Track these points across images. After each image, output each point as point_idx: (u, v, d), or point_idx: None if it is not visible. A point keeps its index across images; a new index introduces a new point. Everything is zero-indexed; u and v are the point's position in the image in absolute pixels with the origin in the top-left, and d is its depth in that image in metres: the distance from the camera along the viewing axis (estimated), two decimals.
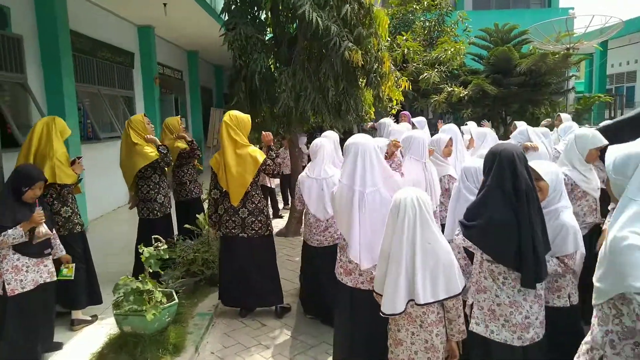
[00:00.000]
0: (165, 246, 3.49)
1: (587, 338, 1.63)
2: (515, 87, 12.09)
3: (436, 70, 11.50)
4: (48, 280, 3.27)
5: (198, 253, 4.46)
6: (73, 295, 3.84)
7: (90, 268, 4.05)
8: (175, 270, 4.37)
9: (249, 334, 3.89)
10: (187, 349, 3.49)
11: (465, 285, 2.27)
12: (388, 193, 2.67)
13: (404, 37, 10.99)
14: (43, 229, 3.12)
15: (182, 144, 5.15)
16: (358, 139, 2.83)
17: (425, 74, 11.20)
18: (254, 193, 3.97)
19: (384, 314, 2.21)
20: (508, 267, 2.15)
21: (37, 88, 6.55)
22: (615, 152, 1.62)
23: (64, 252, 3.54)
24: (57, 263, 3.47)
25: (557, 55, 11.66)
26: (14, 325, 3.06)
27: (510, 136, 5.14)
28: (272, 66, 6.05)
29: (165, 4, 8.50)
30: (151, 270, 3.37)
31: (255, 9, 6.27)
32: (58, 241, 3.51)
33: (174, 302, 3.48)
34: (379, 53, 5.67)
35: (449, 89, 11.73)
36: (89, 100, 8.41)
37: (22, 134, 6.14)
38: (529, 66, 11.60)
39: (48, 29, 6.57)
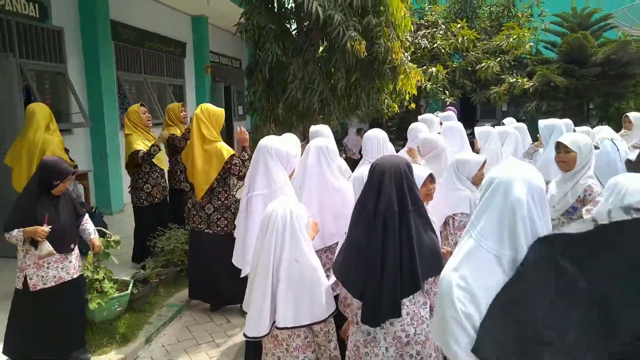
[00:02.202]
0: (117, 237, 3.55)
1: None
2: (591, 79, 10.80)
3: (498, 59, 10.61)
4: (75, 276, 3.08)
5: (179, 244, 4.51)
6: None
7: None
8: (156, 259, 4.46)
9: (209, 329, 3.87)
10: (137, 339, 3.54)
11: (334, 310, 2.02)
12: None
13: (459, 25, 10.23)
14: (46, 248, 2.84)
15: (174, 130, 5.14)
16: (262, 140, 2.67)
17: (484, 63, 10.37)
18: (220, 189, 3.91)
19: (246, 336, 2.03)
20: (353, 295, 1.87)
21: (77, 77, 7.02)
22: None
23: (92, 235, 3.24)
24: None
25: None
26: (33, 322, 2.97)
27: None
28: (283, 57, 5.92)
29: None
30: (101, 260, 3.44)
31: None
32: (88, 225, 3.25)
33: (125, 292, 3.55)
34: (389, 43, 5.29)
35: (512, 80, 10.76)
36: (135, 89, 8.86)
37: (60, 120, 6.62)
38: (607, 55, 10.29)
39: (88, 21, 7.00)
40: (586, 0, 12.41)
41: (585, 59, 10.80)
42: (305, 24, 6.18)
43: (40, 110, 4.29)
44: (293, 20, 6.48)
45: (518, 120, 14.30)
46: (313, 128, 4.24)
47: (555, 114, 12.10)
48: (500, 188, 1.37)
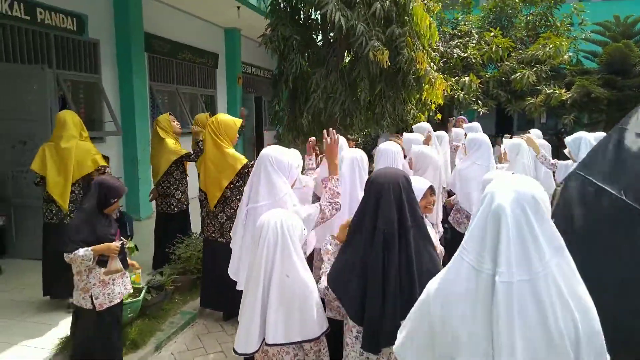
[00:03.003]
0: (132, 244, 3.59)
1: None
2: (635, 90, 10.30)
3: (534, 69, 10.28)
4: (131, 290, 3.19)
5: (196, 252, 4.55)
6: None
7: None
8: (173, 266, 4.51)
9: (219, 339, 3.86)
10: (147, 346, 3.57)
11: (327, 329, 1.95)
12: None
13: (492, 34, 9.99)
14: (116, 264, 2.85)
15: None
16: (263, 150, 2.63)
17: (519, 73, 10.07)
18: (233, 198, 3.91)
19: (236, 352, 1.99)
20: (348, 314, 1.79)
21: (111, 87, 7.27)
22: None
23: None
24: None
25: None
26: (103, 340, 2.98)
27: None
28: (307, 68, 5.93)
29: (238, 7, 8.85)
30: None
31: (301, 10, 6.21)
32: None
33: (137, 299, 3.58)
34: (413, 53, 5.20)
35: (548, 91, 10.39)
36: (167, 98, 9.10)
37: (93, 128, 6.86)
38: None
39: (123, 33, 7.25)
40: (631, 8, 11.86)
41: (628, 69, 10.34)
42: (330, 35, 6.19)
43: (70, 118, 4.34)
44: (319, 32, 6.50)
45: (557, 133, 13.83)
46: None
47: (597, 126, 11.61)
48: (487, 198, 1.27)
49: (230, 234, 3.83)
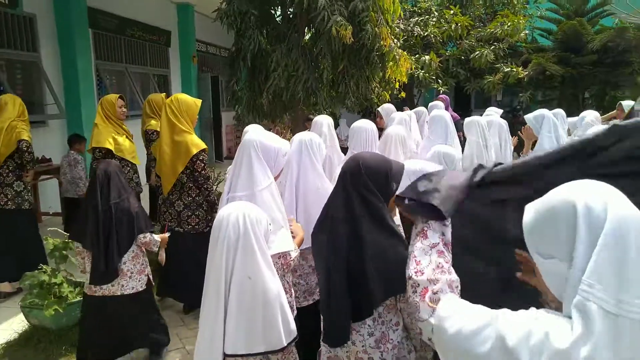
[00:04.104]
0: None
1: None
2: (587, 67, 10.55)
3: (492, 47, 10.33)
4: None
5: None
6: None
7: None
8: None
9: (180, 334, 3.61)
10: None
11: (295, 338, 1.76)
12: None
13: (452, 12, 9.93)
14: (163, 254, 3.29)
15: (155, 122, 4.87)
16: (249, 132, 2.36)
17: (478, 51, 10.09)
18: (191, 185, 3.64)
19: None
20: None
21: (52, 67, 6.70)
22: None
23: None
24: None
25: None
26: (155, 318, 3.12)
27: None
28: (266, 45, 5.62)
29: None
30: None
31: None
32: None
33: None
34: (377, 29, 5.00)
35: (506, 69, 10.48)
36: (115, 79, 8.54)
37: (33, 112, 6.31)
38: (603, 43, 10.03)
39: (62, 7, 6.66)
40: None
41: (581, 47, 10.55)
42: (289, 10, 5.90)
43: (12, 101, 4.14)
44: (277, 6, 6.19)
45: (513, 110, 14.09)
46: (318, 118, 3.90)
47: (551, 103, 11.88)
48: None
49: (189, 222, 3.62)
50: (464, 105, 14.82)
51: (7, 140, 3.93)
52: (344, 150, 6.03)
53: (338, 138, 12.27)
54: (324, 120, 3.93)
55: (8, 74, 6.17)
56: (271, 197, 2.19)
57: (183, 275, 3.74)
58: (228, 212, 1.71)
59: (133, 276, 2.84)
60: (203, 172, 3.55)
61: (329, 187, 2.49)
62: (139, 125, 5.43)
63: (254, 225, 1.69)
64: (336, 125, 12.10)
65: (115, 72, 8.47)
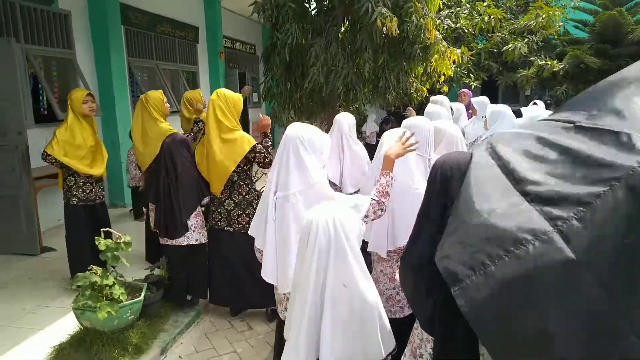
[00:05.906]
0: (128, 238, 3.20)
1: None
2: (626, 59, 10.15)
3: (526, 40, 10.00)
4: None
5: None
6: None
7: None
8: None
9: (230, 337, 3.53)
10: (152, 350, 3.21)
11: (394, 350, 1.63)
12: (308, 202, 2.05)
13: (485, 3, 9.64)
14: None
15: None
16: (288, 129, 2.22)
17: (510, 44, 9.78)
18: (241, 183, 3.52)
19: None
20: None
21: (86, 64, 6.67)
22: None
23: None
24: None
25: None
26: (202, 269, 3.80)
27: None
28: (302, 39, 5.46)
29: None
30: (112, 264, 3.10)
31: None
32: None
33: (138, 299, 3.20)
34: (421, 20, 4.81)
35: (540, 62, 10.15)
36: (147, 75, 8.50)
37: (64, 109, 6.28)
38: None
39: (96, 4, 6.62)
40: None
41: (620, 38, 10.16)
42: (325, 2, 5.73)
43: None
44: (311, 0, 6.02)
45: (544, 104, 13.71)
46: (339, 117, 3.87)
47: None
48: None
49: (239, 221, 3.50)
50: (492, 100, 14.44)
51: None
52: (369, 147, 5.84)
53: (363, 134, 11.93)
54: (344, 119, 3.82)
55: (44, 70, 6.15)
56: (327, 189, 2.14)
57: (232, 278, 3.64)
58: (317, 217, 1.58)
59: (196, 230, 3.58)
60: (266, 159, 3.45)
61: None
62: (173, 123, 5.32)
63: (345, 228, 1.56)
64: (362, 122, 11.97)
65: (146, 69, 8.43)
